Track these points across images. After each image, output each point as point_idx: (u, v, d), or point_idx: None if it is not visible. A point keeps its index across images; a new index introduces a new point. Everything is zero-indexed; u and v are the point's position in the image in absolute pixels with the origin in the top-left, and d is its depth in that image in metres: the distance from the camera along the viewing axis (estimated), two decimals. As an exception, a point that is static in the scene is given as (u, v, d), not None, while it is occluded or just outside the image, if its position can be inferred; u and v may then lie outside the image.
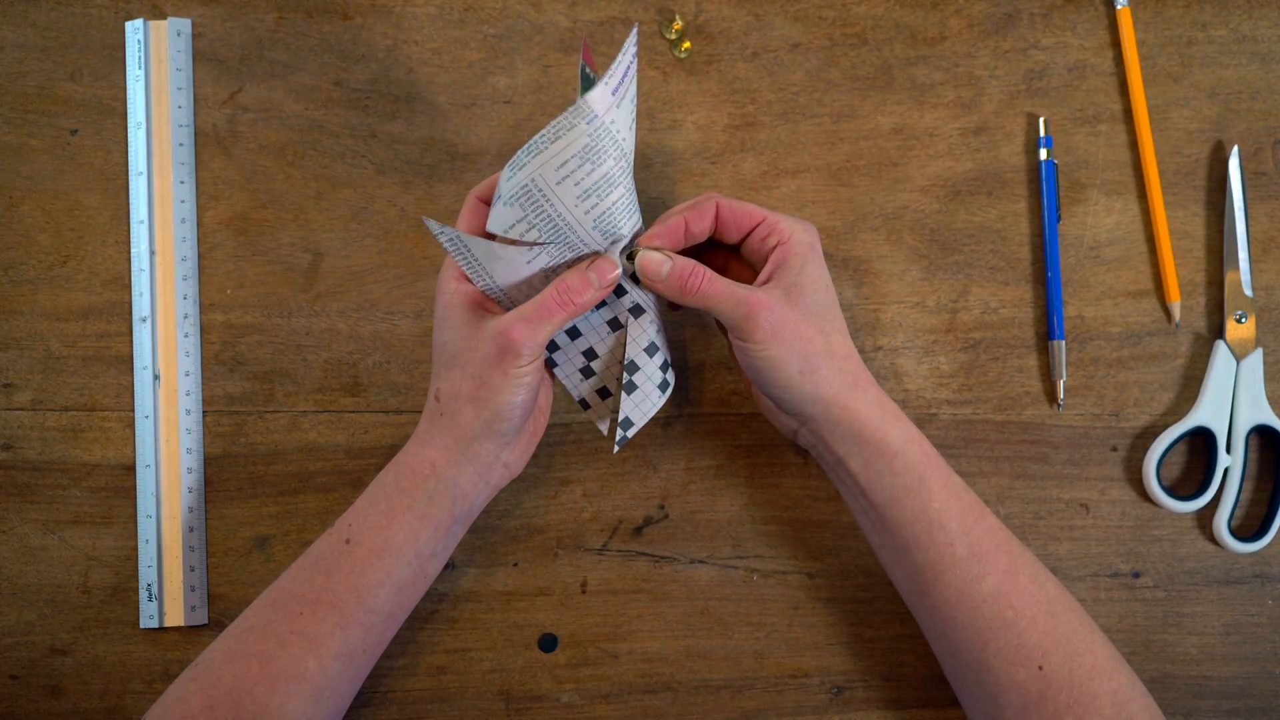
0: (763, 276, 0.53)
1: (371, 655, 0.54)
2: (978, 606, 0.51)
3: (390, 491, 0.53)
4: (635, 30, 0.50)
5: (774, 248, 0.53)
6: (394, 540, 0.53)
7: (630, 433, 0.55)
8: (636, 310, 0.55)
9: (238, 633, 0.52)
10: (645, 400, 0.55)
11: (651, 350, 0.55)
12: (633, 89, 0.50)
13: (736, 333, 0.52)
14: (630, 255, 0.54)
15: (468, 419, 0.52)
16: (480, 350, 0.51)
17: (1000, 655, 0.50)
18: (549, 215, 0.50)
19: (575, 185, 0.50)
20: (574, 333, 0.56)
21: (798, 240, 0.52)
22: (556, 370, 0.57)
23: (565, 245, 0.52)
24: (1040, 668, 0.50)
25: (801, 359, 0.51)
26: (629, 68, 0.49)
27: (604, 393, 0.58)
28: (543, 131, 0.48)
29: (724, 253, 0.57)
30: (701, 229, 0.54)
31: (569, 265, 0.53)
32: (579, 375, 0.57)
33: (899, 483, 0.52)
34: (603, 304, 0.55)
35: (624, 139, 0.50)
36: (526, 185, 0.49)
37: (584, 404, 0.58)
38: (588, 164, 0.49)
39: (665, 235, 0.53)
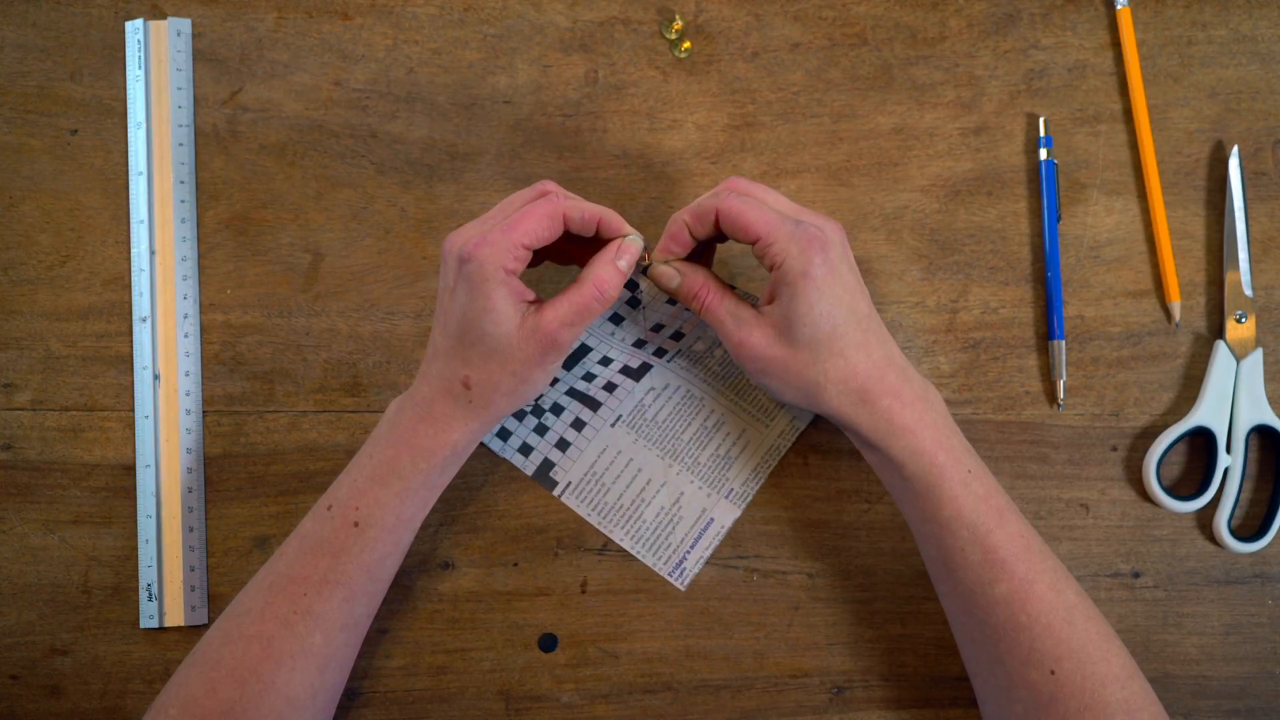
0: (765, 295, 0.53)
1: (371, 617, 0.56)
2: (990, 608, 0.51)
3: (406, 473, 0.53)
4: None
5: (771, 268, 0.52)
6: (405, 515, 0.54)
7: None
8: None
9: (233, 617, 0.53)
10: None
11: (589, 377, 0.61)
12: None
13: (734, 357, 0.54)
14: (645, 269, 0.55)
15: (501, 408, 0.53)
16: (524, 350, 0.52)
17: (1013, 655, 0.50)
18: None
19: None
20: None
21: (789, 269, 0.50)
22: None
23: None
24: (1052, 672, 0.50)
25: (795, 389, 0.53)
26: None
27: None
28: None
29: None
30: (704, 233, 0.54)
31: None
32: None
33: (908, 487, 0.52)
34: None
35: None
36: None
37: None
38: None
39: (673, 244, 0.54)
